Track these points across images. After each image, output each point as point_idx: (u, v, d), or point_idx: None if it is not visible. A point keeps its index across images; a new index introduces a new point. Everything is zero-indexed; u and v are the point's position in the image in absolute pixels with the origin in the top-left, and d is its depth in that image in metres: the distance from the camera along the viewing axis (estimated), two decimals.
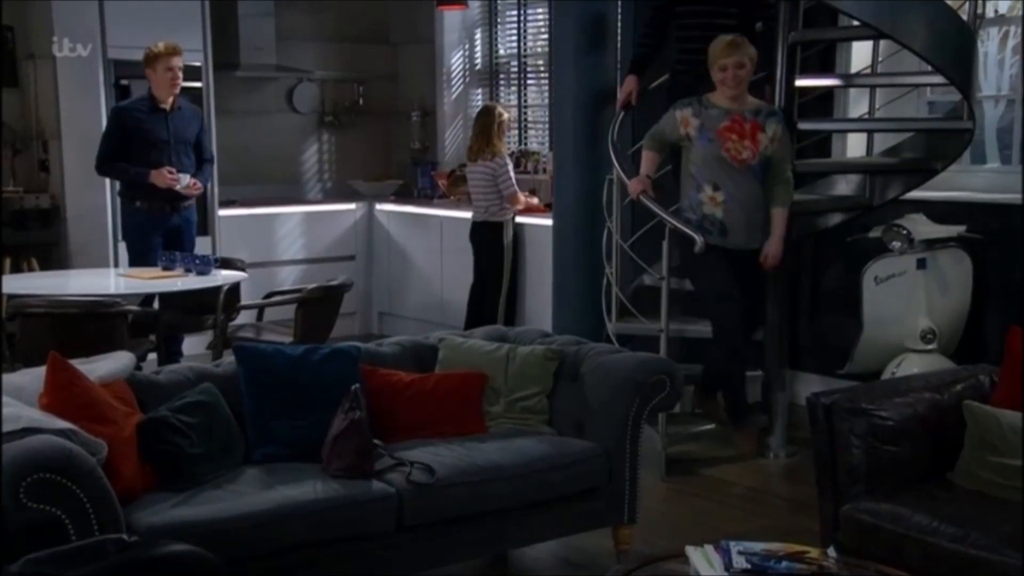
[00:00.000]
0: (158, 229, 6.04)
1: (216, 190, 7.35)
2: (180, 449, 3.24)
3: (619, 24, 5.75)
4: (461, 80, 8.42)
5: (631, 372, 3.86)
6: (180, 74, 5.86)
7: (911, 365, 4.94)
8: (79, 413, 3.02)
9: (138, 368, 5.55)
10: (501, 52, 8.31)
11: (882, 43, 5.36)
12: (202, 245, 7.14)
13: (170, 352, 6.08)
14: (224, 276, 5.52)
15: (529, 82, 8.10)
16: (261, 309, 5.91)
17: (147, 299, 5.75)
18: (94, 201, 6.91)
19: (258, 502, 3.17)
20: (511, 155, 7.76)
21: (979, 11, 4.80)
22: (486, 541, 3.67)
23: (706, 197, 4.76)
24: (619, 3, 5.69)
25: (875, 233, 5.13)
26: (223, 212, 7.45)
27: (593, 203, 5.59)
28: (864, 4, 4.54)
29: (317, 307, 5.39)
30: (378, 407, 3.77)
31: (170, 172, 5.84)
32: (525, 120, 8.17)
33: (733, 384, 4.96)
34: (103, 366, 3.39)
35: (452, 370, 4.04)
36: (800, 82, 5.11)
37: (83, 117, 6.87)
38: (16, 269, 7.25)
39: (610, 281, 5.42)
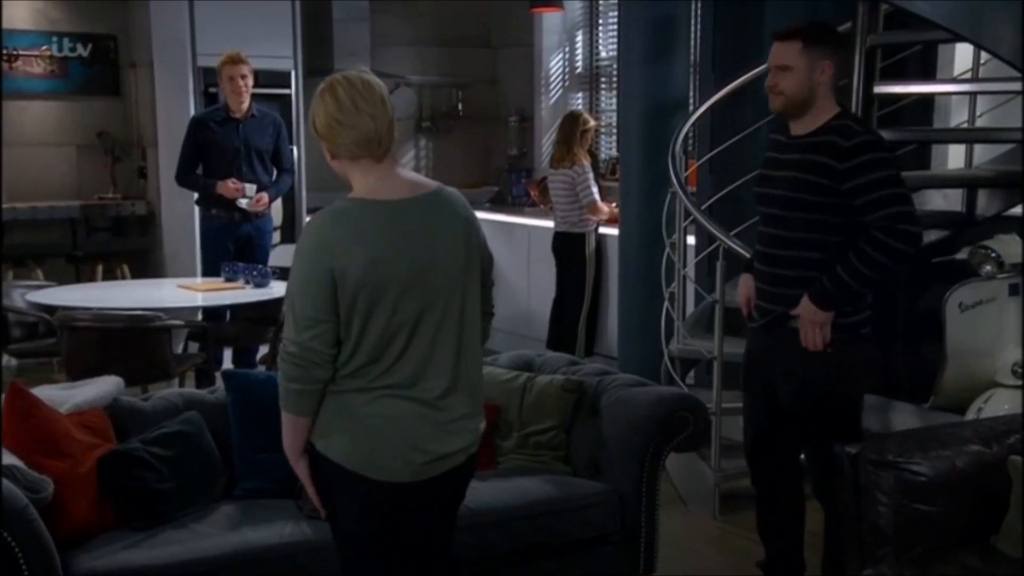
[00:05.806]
0: (230, 237, 6.01)
1: (304, 197, 7.31)
2: (146, 484, 3.10)
3: (696, 27, 5.41)
4: (560, 84, 8.16)
5: (650, 408, 3.57)
6: (243, 83, 5.79)
7: (1001, 401, 4.46)
8: (31, 447, 2.92)
9: (210, 381, 5.56)
10: (603, 54, 8.02)
11: None
12: (289, 253, 7.10)
13: (246, 363, 6.06)
14: (279, 289, 5.41)
15: None
16: None
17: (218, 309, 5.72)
18: (185, 208, 6.96)
19: (217, 545, 3.01)
20: (606, 162, 7.47)
21: None
22: None
23: None
24: (694, 4, 5.35)
25: (961, 255, 4.66)
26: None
27: (660, 217, 5.28)
28: (938, 6, 4.08)
29: None
30: None
31: (234, 183, 5.79)
32: None
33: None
34: (82, 392, 3.30)
35: None
36: (879, 89, 4.68)
37: (176, 124, 6.92)
38: (109, 275, 7.38)
39: (671, 301, 5.10)
